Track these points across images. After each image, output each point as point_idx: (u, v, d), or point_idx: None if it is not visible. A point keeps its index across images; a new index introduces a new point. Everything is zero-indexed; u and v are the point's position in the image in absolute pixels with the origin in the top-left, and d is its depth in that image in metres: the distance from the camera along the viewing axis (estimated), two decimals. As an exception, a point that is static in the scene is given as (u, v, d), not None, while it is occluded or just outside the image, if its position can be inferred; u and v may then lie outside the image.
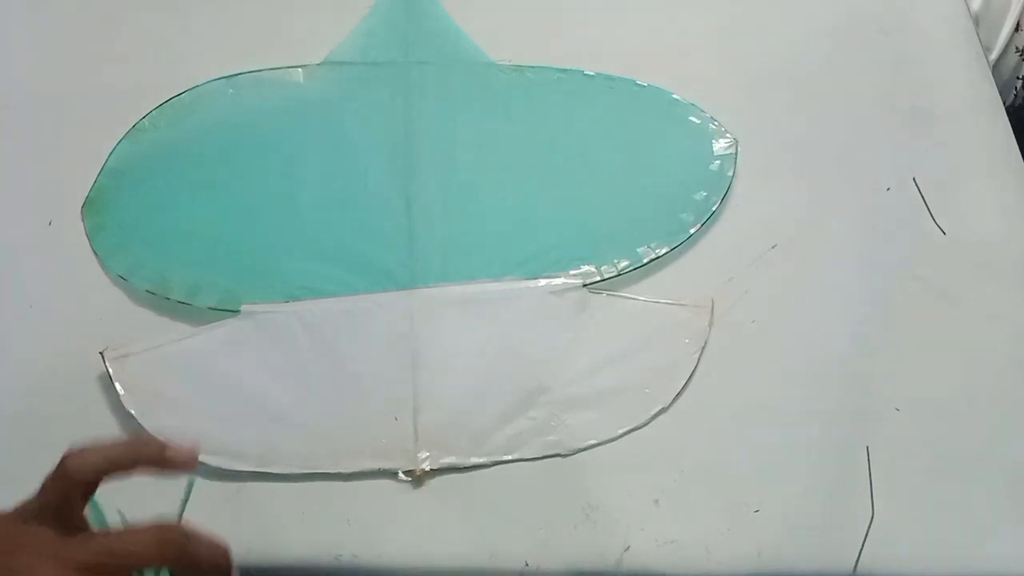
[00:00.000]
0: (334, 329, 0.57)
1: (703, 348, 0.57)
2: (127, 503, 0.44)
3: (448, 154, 0.65)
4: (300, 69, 0.68)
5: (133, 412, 0.54)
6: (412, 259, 0.60)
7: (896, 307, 0.60)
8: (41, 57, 0.71)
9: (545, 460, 0.54)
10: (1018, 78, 0.81)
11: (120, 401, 0.55)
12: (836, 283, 0.61)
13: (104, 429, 0.55)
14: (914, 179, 0.64)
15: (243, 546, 0.51)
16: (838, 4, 0.73)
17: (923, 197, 0.64)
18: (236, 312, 0.58)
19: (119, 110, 0.66)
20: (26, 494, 0.53)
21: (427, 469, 0.53)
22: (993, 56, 0.79)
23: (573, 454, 0.54)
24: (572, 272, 0.60)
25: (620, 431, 0.55)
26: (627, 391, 0.56)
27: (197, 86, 0.67)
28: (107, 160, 0.64)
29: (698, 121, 0.66)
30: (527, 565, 0.51)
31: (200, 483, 0.53)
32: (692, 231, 0.62)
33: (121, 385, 0.55)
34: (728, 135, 0.65)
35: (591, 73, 0.68)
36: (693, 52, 0.70)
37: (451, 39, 0.70)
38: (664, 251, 0.61)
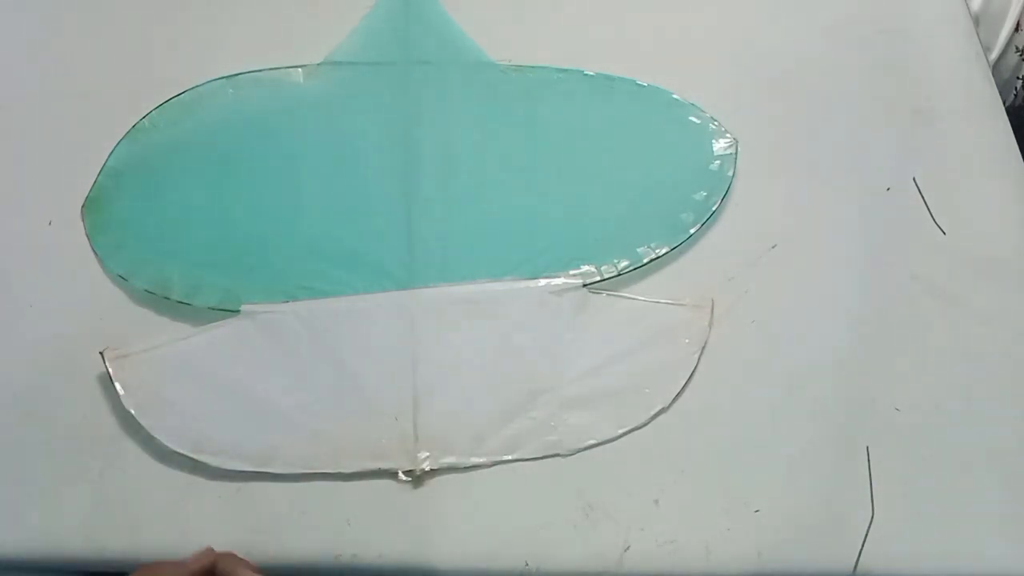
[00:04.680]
0: (334, 329, 0.57)
1: (703, 348, 0.58)
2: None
3: (448, 154, 0.65)
4: (300, 69, 0.68)
5: (133, 412, 0.54)
6: (412, 259, 0.60)
7: (896, 307, 0.60)
8: (41, 57, 0.71)
9: (545, 460, 0.54)
10: (1018, 78, 0.81)
11: (120, 401, 0.55)
12: (836, 283, 0.61)
13: (104, 429, 0.55)
14: (914, 179, 0.64)
15: (243, 546, 0.51)
16: (838, 4, 0.73)
17: (923, 197, 0.64)
18: (236, 312, 0.58)
19: (119, 110, 0.66)
20: (27, 493, 0.53)
21: (427, 469, 0.53)
22: (993, 56, 0.78)
23: (573, 454, 0.55)
24: (572, 272, 0.60)
25: (620, 431, 0.55)
26: (627, 391, 0.56)
27: (197, 86, 0.67)
28: (107, 160, 0.64)
29: (698, 121, 0.66)
30: (527, 565, 0.51)
31: (200, 483, 0.54)
32: (692, 231, 0.62)
33: (121, 385, 0.55)
34: (728, 135, 0.65)
35: (591, 73, 0.68)
36: (693, 52, 0.70)
37: (451, 39, 0.70)
38: (664, 251, 0.61)
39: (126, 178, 0.64)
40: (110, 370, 0.55)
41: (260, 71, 0.68)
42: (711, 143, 0.65)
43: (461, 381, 0.56)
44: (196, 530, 0.52)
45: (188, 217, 0.62)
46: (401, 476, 0.53)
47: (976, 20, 0.75)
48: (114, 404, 0.55)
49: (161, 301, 0.59)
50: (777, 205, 0.64)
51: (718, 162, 0.64)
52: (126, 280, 0.60)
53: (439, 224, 0.62)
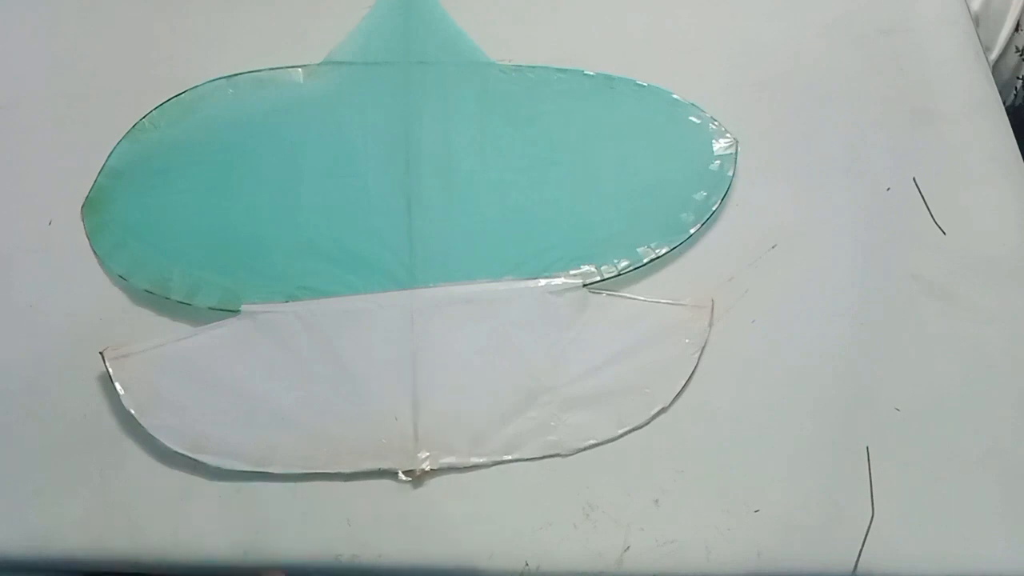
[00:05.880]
0: (334, 329, 0.57)
1: (703, 348, 0.58)
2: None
3: (448, 154, 0.65)
4: (300, 69, 0.68)
5: (133, 412, 0.54)
6: (412, 259, 0.60)
7: (896, 307, 0.60)
8: (41, 57, 0.71)
9: (545, 460, 0.54)
10: (1018, 78, 0.81)
11: (120, 401, 0.55)
12: (836, 283, 0.61)
13: (104, 429, 0.55)
14: (914, 179, 0.64)
15: (243, 546, 0.51)
16: (838, 4, 0.73)
17: (923, 197, 0.64)
18: (236, 312, 0.58)
19: (119, 110, 0.66)
20: (27, 493, 0.53)
21: (427, 469, 0.53)
22: (993, 56, 0.78)
23: (573, 454, 0.55)
24: (572, 272, 0.60)
25: (620, 431, 0.55)
26: (627, 391, 0.56)
27: (197, 86, 0.67)
28: (107, 160, 0.64)
29: (698, 121, 0.66)
30: (527, 565, 0.51)
31: (200, 483, 0.54)
32: (692, 231, 0.62)
33: (121, 385, 0.55)
34: (728, 135, 0.65)
35: (591, 73, 0.68)
36: (693, 52, 0.70)
37: (451, 39, 0.70)
38: (664, 251, 0.61)
39: (126, 178, 0.64)
40: (110, 370, 0.55)
41: (260, 71, 0.68)
42: (711, 143, 0.65)
43: (461, 381, 0.56)
44: (196, 530, 0.52)
45: (188, 217, 0.62)
46: (401, 476, 0.53)
47: (976, 20, 0.75)
48: (114, 404, 0.55)
49: (161, 301, 0.59)
50: (777, 205, 0.64)
51: (718, 162, 0.64)
52: (126, 280, 0.60)
53: (439, 224, 0.62)
